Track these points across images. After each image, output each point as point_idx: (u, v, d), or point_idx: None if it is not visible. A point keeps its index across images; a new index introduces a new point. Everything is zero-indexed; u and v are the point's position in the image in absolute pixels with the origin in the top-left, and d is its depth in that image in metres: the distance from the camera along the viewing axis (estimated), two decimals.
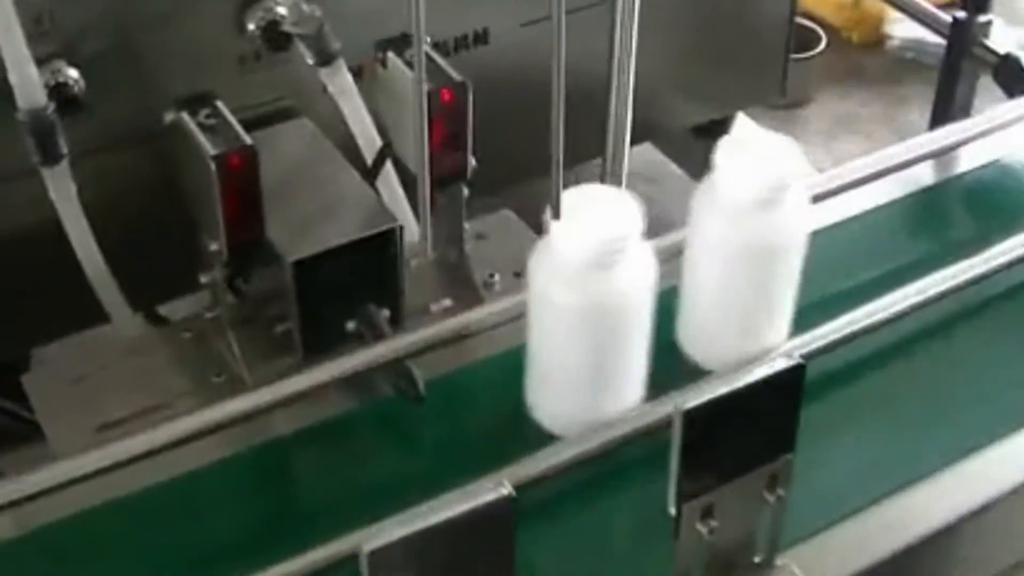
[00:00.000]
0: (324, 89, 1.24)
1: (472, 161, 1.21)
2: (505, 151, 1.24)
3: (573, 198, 0.96)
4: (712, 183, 1.03)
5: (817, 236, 1.31)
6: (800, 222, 1.04)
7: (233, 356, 1.18)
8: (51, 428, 1.16)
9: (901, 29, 2.52)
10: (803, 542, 0.98)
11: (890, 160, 1.34)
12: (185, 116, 1.12)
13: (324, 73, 1.22)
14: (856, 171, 1.33)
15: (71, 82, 1.15)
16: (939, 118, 1.58)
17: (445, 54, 1.38)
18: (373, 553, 0.73)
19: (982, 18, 1.53)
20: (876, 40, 2.60)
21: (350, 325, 1.15)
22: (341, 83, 1.23)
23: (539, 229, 1.06)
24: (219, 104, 1.14)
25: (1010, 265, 1.23)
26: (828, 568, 0.99)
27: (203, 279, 1.18)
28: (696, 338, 1.09)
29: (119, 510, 1.04)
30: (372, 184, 1.25)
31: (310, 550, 0.92)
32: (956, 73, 1.55)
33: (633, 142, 1.38)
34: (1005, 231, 1.26)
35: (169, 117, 1.15)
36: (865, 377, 1.16)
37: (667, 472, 0.85)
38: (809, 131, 2.30)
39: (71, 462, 1.02)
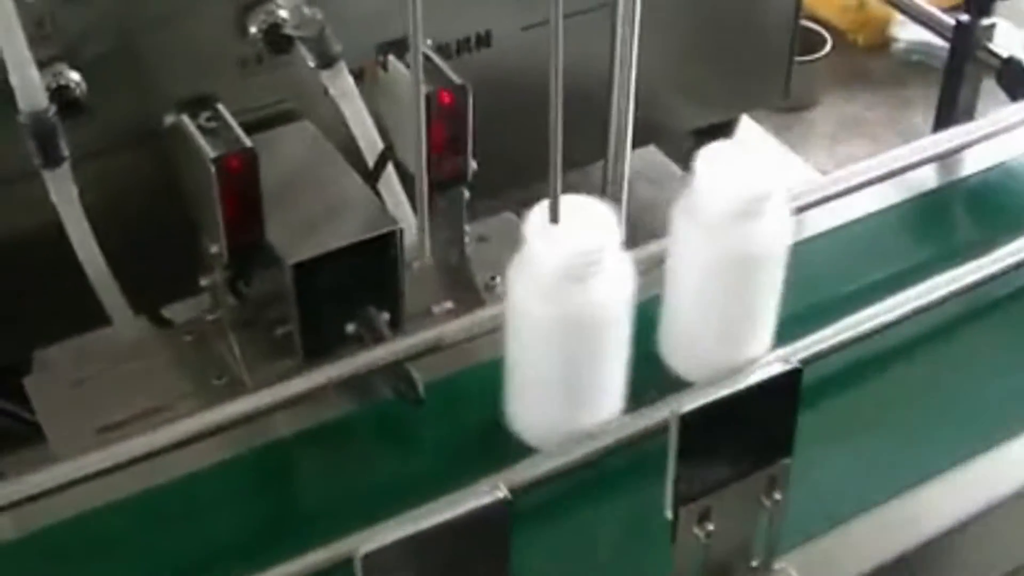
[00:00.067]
0: (325, 92, 1.24)
1: (473, 164, 1.21)
2: (507, 154, 1.24)
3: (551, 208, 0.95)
4: (692, 193, 1.02)
5: (820, 239, 1.32)
6: (781, 232, 1.03)
7: (234, 358, 1.19)
8: (52, 430, 1.17)
9: (906, 32, 2.51)
10: (801, 546, 0.98)
11: (893, 163, 1.34)
12: (185, 118, 1.13)
13: (325, 76, 1.22)
14: (859, 174, 1.32)
15: (72, 85, 1.16)
16: (943, 121, 1.58)
17: (447, 57, 1.38)
18: (367, 556, 0.73)
19: (985, 21, 1.53)
20: (881, 43, 2.59)
21: (350, 328, 1.15)
22: (342, 86, 1.23)
23: None
24: (220, 107, 1.14)
25: (1014, 268, 1.23)
26: (826, 572, 0.99)
27: (203, 282, 1.18)
28: (678, 349, 1.09)
29: (119, 512, 1.04)
30: (373, 187, 1.25)
31: (305, 553, 0.92)
32: (959, 76, 1.55)
33: (636, 144, 1.38)
34: (1009, 234, 1.25)
35: (169, 119, 1.15)
36: (867, 381, 1.16)
37: (664, 476, 0.85)
38: (814, 134, 2.30)
39: (71, 463, 1.02)
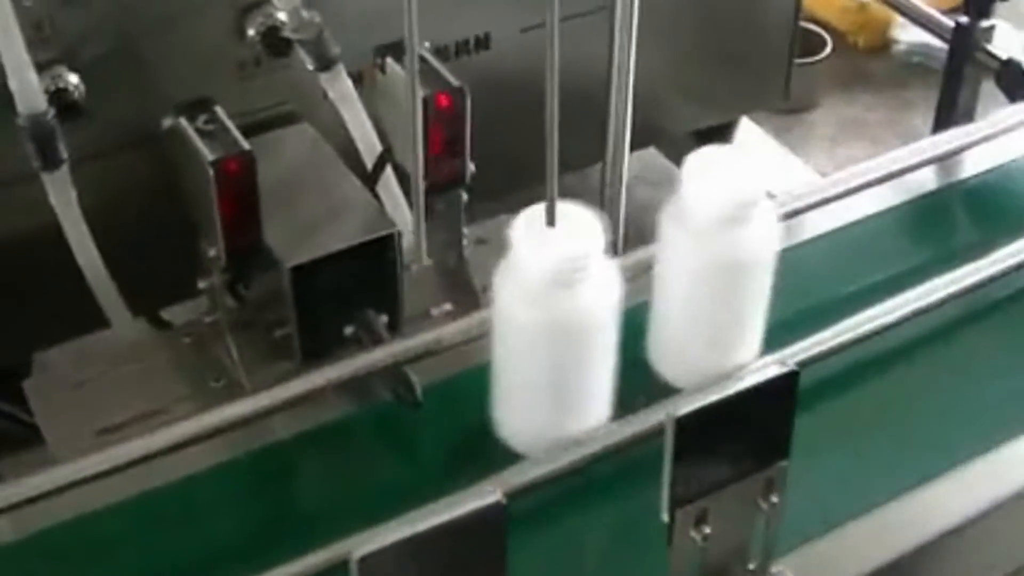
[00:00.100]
0: (324, 95, 1.24)
1: (471, 167, 1.21)
2: (507, 156, 1.24)
3: (536, 215, 0.95)
4: (680, 199, 1.01)
5: (820, 241, 1.32)
6: (769, 238, 1.03)
7: (232, 361, 1.19)
8: (51, 432, 1.17)
9: (907, 33, 2.51)
10: (798, 549, 0.98)
11: (892, 165, 1.34)
12: (183, 121, 1.13)
13: (324, 78, 1.22)
14: (858, 176, 1.32)
15: (71, 88, 1.16)
16: (942, 123, 1.58)
17: (446, 59, 1.38)
18: (363, 559, 0.73)
19: (984, 23, 1.53)
20: (882, 44, 2.60)
21: (348, 330, 1.15)
22: (341, 88, 1.23)
23: None
24: (217, 109, 1.14)
25: (1013, 270, 1.23)
26: (824, 575, 0.99)
27: (202, 284, 1.18)
28: (666, 355, 1.08)
29: (118, 514, 1.04)
30: (372, 189, 1.25)
31: (302, 556, 0.93)
32: (959, 78, 1.55)
33: (636, 147, 1.38)
34: (1008, 236, 1.25)
35: (167, 122, 1.15)
36: (866, 383, 1.16)
37: (660, 479, 0.85)
38: (814, 136, 2.30)
39: (70, 466, 1.02)
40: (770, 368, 0.87)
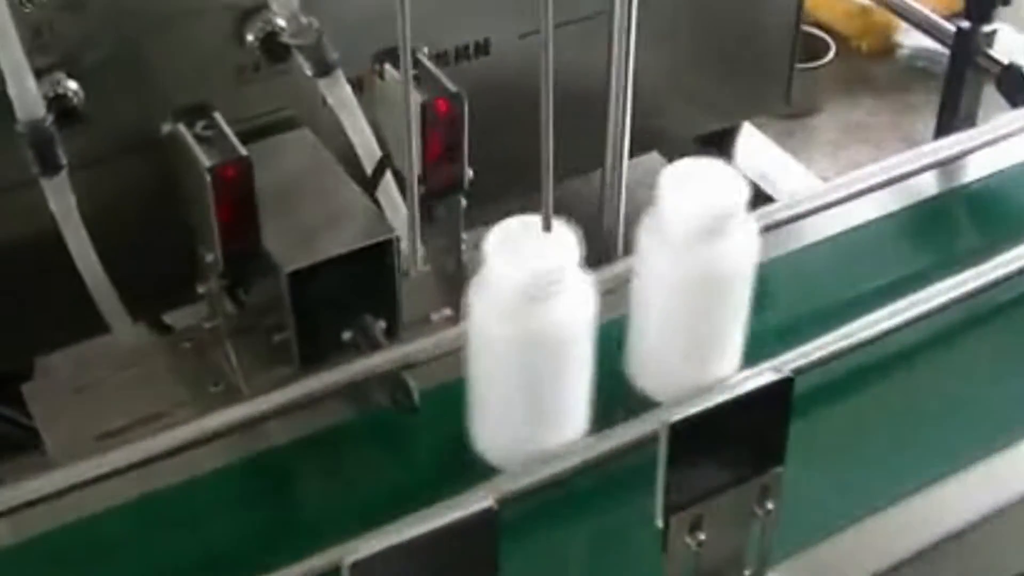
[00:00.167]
0: (324, 100, 1.24)
1: (469, 172, 1.21)
2: (506, 161, 1.24)
3: (510, 228, 0.95)
4: (657, 212, 1.01)
5: (821, 246, 1.32)
6: (747, 251, 1.02)
7: (231, 366, 1.19)
8: (50, 436, 1.17)
9: (911, 38, 2.51)
10: (794, 556, 0.98)
11: (894, 170, 1.34)
12: (181, 127, 1.13)
13: (323, 84, 1.22)
14: (860, 181, 1.33)
15: (70, 94, 1.16)
16: (944, 128, 1.58)
17: (445, 64, 1.38)
18: (355, 565, 0.73)
19: (986, 28, 1.53)
20: (886, 49, 2.59)
21: (346, 335, 1.15)
22: (340, 94, 1.23)
23: None
24: (216, 115, 1.14)
25: (1015, 275, 1.23)
26: None
27: (200, 289, 1.18)
28: (645, 368, 1.08)
29: (116, 517, 1.05)
30: (372, 195, 1.25)
31: (294, 562, 0.93)
32: (960, 83, 1.55)
33: (639, 151, 1.38)
34: (1009, 240, 1.25)
35: (166, 128, 1.15)
36: (868, 387, 1.16)
37: (655, 485, 0.85)
38: (817, 140, 2.29)
39: (69, 469, 1.03)
40: (764, 375, 0.87)
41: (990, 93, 1.57)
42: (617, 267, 1.11)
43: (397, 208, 1.27)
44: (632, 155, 1.29)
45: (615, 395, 1.05)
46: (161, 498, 1.06)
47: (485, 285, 0.95)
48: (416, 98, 1.15)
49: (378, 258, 1.14)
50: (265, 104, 1.29)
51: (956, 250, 1.35)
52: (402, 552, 0.74)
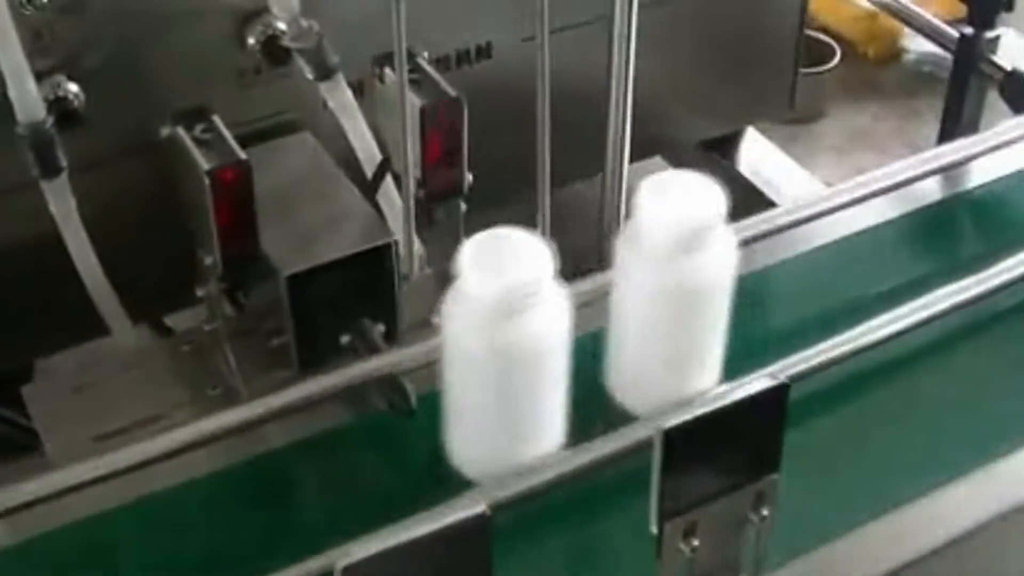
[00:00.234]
0: (324, 104, 1.25)
1: (469, 176, 1.21)
2: (509, 164, 1.24)
3: (485, 241, 0.95)
4: (635, 225, 1.01)
5: (824, 251, 1.32)
6: (726, 263, 1.02)
7: (230, 369, 1.19)
8: (49, 437, 1.17)
9: (917, 43, 2.50)
10: (790, 563, 0.98)
11: (896, 176, 1.34)
12: (180, 131, 1.13)
13: (324, 88, 1.23)
14: (863, 186, 1.32)
15: (71, 96, 1.16)
16: (947, 134, 1.57)
17: (447, 68, 1.38)
18: (347, 570, 0.73)
19: (989, 34, 1.52)
20: (892, 54, 2.59)
21: (345, 339, 1.15)
22: (340, 98, 1.23)
23: None
24: (215, 119, 1.14)
25: (1018, 281, 1.22)
26: None
27: (200, 292, 1.18)
28: (623, 382, 1.07)
29: (114, 519, 1.05)
30: (372, 199, 1.25)
31: (287, 567, 0.93)
32: (963, 89, 1.54)
33: (641, 156, 1.38)
34: (1012, 247, 1.25)
35: (165, 131, 1.16)
36: (868, 394, 1.15)
37: (649, 491, 0.85)
38: (822, 146, 2.29)
39: (67, 471, 1.03)
40: (760, 381, 0.86)
41: (994, 99, 1.57)
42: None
43: (398, 212, 1.27)
44: (635, 160, 1.29)
45: (594, 408, 1.05)
46: (159, 500, 1.06)
47: (460, 298, 0.95)
48: (415, 102, 1.15)
49: (377, 262, 1.14)
50: (266, 107, 1.29)
51: (958, 256, 1.35)
52: (394, 557, 0.74)
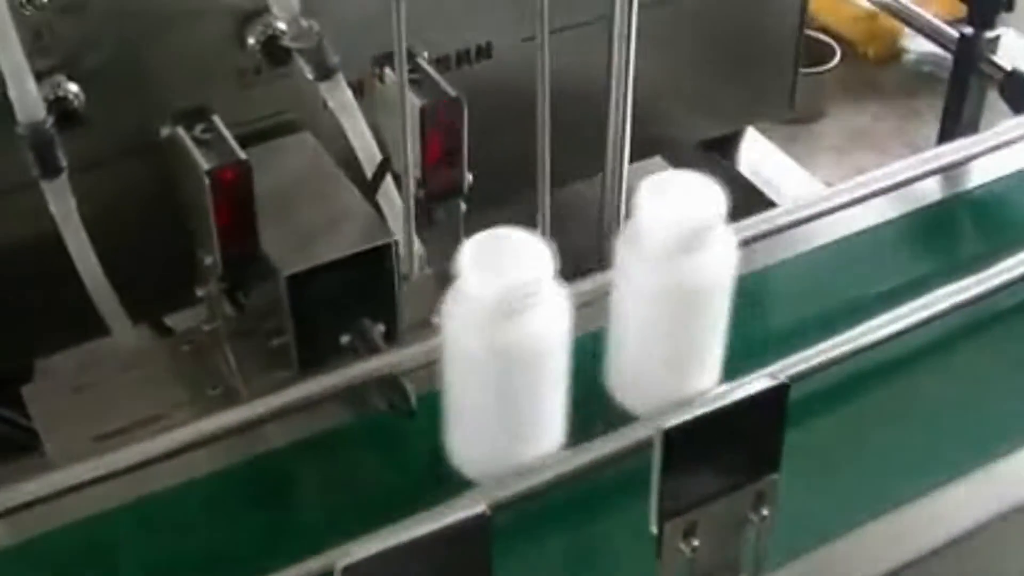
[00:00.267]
0: (324, 104, 1.25)
1: (469, 176, 1.21)
2: (508, 165, 1.24)
3: (485, 241, 0.95)
4: (635, 225, 1.00)
5: (823, 251, 1.32)
6: (726, 263, 1.01)
7: (230, 369, 1.19)
8: (49, 437, 1.17)
9: (917, 43, 2.50)
10: (790, 563, 0.98)
11: (896, 176, 1.34)
12: (180, 130, 1.13)
13: (324, 88, 1.23)
14: (862, 186, 1.32)
15: (71, 96, 1.16)
16: (947, 134, 1.57)
17: (447, 68, 1.38)
18: (347, 570, 0.73)
19: (989, 34, 1.52)
20: (893, 54, 2.59)
21: (345, 339, 1.15)
22: (340, 98, 1.23)
23: None
24: (215, 118, 1.14)
25: (1017, 281, 1.22)
26: None
27: (200, 292, 1.18)
28: (623, 382, 1.07)
29: (114, 519, 1.05)
30: (373, 198, 1.25)
31: (287, 567, 0.93)
32: (963, 89, 1.54)
33: (641, 156, 1.38)
34: (1012, 247, 1.25)
35: (165, 131, 1.16)
36: (868, 394, 1.15)
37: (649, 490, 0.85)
38: (822, 146, 2.29)
39: (67, 471, 1.03)
40: (760, 381, 0.86)
41: (994, 99, 1.57)
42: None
43: (398, 212, 1.27)
44: (635, 160, 1.29)
45: (594, 409, 1.05)
46: (159, 500, 1.06)
47: (460, 298, 0.95)
48: (415, 102, 1.15)
49: (377, 262, 1.14)
50: (266, 107, 1.29)
51: (958, 256, 1.35)
52: (394, 557, 0.74)
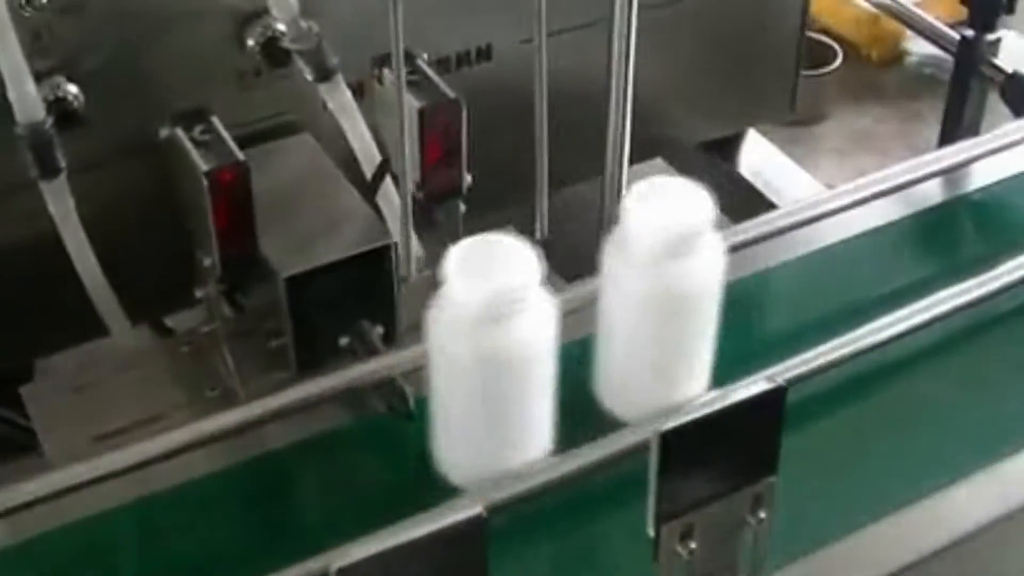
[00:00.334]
0: (324, 105, 1.25)
1: (468, 178, 1.21)
2: (509, 166, 1.24)
3: (471, 247, 0.94)
4: (622, 231, 1.00)
5: (824, 253, 1.32)
6: (713, 270, 1.01)
7: (228, 370, 1.19)
8: (47, 438, 1.18)
9: (919, 45, 2.50)
10: (788, 566, 0.98)
11: (897, 178, 1.34)
12: (179, 132, 1.13)
13: (323, 89, 1.23)
14: (862, 189, 1.32)
15: (70, 97, 1.16)
16: (948, 136, 1.57)
17: (447, 70, 1.38)
18: (341, 571, 0.73)
19: (990, 36, 1.52)
20: (895, 56, 2.59)
21: (343, 341, 1.15)
22: (340, 99, 1.23)
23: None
24: (214, 120, 1.14)
25: (1017, 283, 1.22)
26: None
27: (198, 293, 1.19)
28: (612, 389, 1.07)
29: (112, 520, 1.05)
30: (372, 200, 1.25)
31: (281, 569, 0.93)
32: (964, 91, 1.54)
33: (642, 158, 1.38)
34: (1013, 249, 1.25)
35: (164, 133, 1.16)
36: (868, 397, 1.15)
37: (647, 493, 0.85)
38: (824, 148, 2.28)
39: (66, 472, 1.03)
40: (757, 384, 0.86)
41: (995, 102, 1.56)
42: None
43: (397, 213, 1.27)
44: (636, 161, 1.29)
45: (584, 415, 1.05)
46: (157, 501, 1.06)
47: (445, 303, 0.95)
48: (414, 103, 1.15)
49: (376, 264, 1.14)
50: (266, 109, 1.29)
51: (959, 259, 1.35)
52: (389, 559, 0.74)
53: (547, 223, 1.18)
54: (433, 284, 1.27)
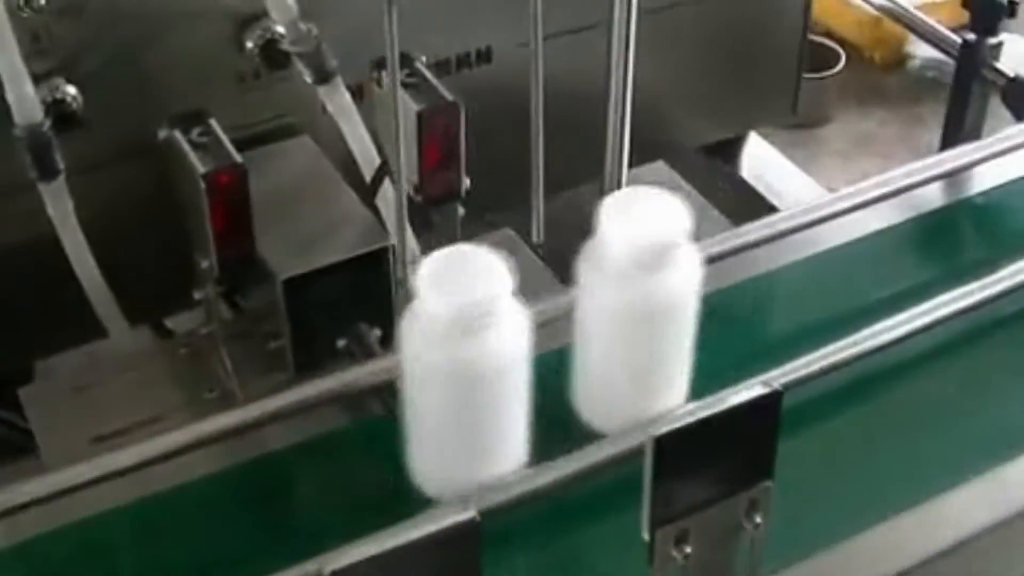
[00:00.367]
0: (323, 108, 1.25)
1: (466, 181, 1.21)
2: (507, 169, 1.24)
3: (443, 259, 0.94)
4: (597, 243, 0.99)
5: (825, 257, 1.32)
6: (690, 281, 1.00)
7: (226, 371, 1.19)
8: (45, 439, 1.18)
9: (923, 48, 2.50)
10: (784, 571, 0.97)
11: (899, 182, 1.34)
12: (177, 134, 1.14)
13: (322, 91, 1.23)
14: (863, 192, 1.32)
15: (69, 99, 1.17)
16: (949, 140, 1.57)
17: (446, 72, 1.38)
18: (335, 574, 0.73)
19: (992, 40, 1.51)
20: (898, 59, 2.58)
21: (341, 343, 1.15)
22: (339, 101, 1.23)
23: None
24: (211, 122, 1.15)
25: (1019, 287, 1.22)
26: None
27: (197, 295, 1.19)
28: (589, 400, 1.06)
29: (109, 521, 1.05)
30: (371, 202, 1.26)
31: (275, 572, 0.92)
32: (966, 95, 1.53)
33: (644, 160, 1.38)
34: (1014, 253, 1.24)
35: (162, 135, 1.16)
36: (868, 400, 1.15)
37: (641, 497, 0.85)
38: (826, 151, 2.28)
39: (63, 473, 1.03)
40: (753, 388, 0.86)
41: (996, 105, 1.56)
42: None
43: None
44: (638, 164, 1.29)
45: (561, 426, 1.04)
46: (155, 502, 1.06)
47: (418, 315, 0.94)
48: (413, 106, 1.15)
49: (374, 266, 1.14)
50: (265, 111, 1.29)
51: (960, 262, 1.34)
52: (382, 563, 0.74)
53: (543, 227, 1.17)
54: None
